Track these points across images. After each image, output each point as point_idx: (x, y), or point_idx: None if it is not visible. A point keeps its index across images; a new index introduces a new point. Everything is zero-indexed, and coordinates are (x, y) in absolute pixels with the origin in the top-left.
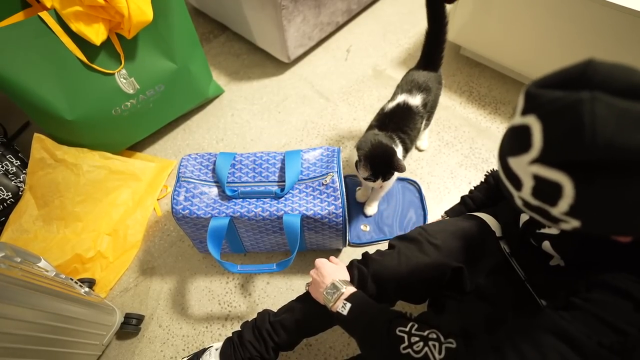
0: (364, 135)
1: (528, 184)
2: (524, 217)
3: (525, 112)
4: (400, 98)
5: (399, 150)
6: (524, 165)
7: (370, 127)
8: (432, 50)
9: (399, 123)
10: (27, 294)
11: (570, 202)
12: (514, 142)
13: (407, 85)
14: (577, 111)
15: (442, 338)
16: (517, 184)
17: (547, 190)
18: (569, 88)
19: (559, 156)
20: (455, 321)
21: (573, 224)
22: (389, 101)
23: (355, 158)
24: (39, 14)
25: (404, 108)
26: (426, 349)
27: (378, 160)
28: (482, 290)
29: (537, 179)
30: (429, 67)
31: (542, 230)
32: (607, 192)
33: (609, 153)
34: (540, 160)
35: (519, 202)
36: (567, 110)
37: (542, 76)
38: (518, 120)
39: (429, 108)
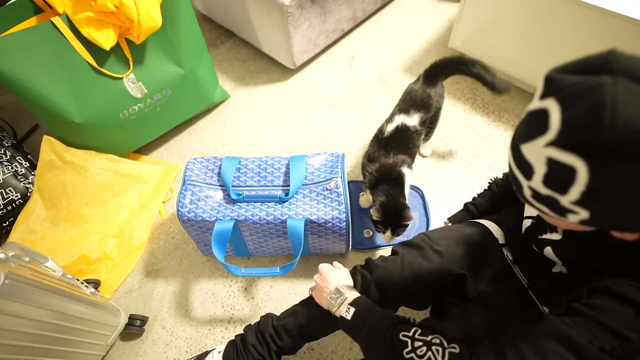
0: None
1: (540, 171)
2: (526, 223)
3: (544, 95)
4: (398, 120)
5: (408, 173)
6: (538, 149)
7: (369, 156)
8: (443, 72)
9: (398, 147)
10: (35, 292)
11: (582, 189)
12: (530, 126)
13: (404, 104)
14: (599, 93)
15: (445, 343)
16: (529, 171)
17: (559, 176)
18: (590, 74)
19: (576, 138)
20: (458, 327)
21: (582, 215)
22: (387, 121)
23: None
24: (51, 19)
25: (402, 130)
26: (429, 353)
27: (393, 217)
28: (484, 297)
29: (551, 163)
30: (428, 82)
31: (544, 236)
32: (621, 179)
33: (626, 137)
34: (557, 142)
35: (527, 193)
36: (588, 92)
37: (562, 63)
38: (536, 104)
39: (428, 124)
